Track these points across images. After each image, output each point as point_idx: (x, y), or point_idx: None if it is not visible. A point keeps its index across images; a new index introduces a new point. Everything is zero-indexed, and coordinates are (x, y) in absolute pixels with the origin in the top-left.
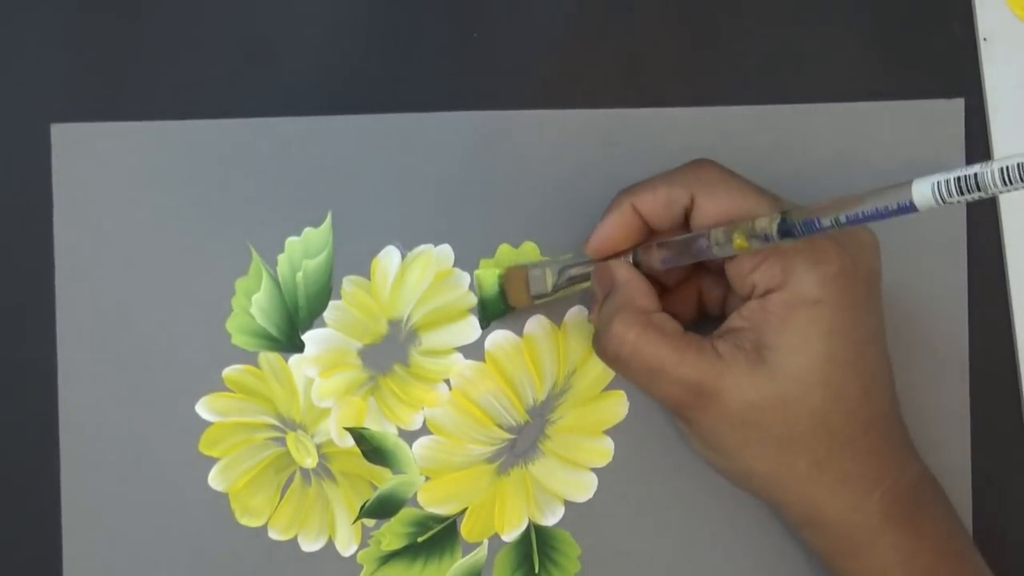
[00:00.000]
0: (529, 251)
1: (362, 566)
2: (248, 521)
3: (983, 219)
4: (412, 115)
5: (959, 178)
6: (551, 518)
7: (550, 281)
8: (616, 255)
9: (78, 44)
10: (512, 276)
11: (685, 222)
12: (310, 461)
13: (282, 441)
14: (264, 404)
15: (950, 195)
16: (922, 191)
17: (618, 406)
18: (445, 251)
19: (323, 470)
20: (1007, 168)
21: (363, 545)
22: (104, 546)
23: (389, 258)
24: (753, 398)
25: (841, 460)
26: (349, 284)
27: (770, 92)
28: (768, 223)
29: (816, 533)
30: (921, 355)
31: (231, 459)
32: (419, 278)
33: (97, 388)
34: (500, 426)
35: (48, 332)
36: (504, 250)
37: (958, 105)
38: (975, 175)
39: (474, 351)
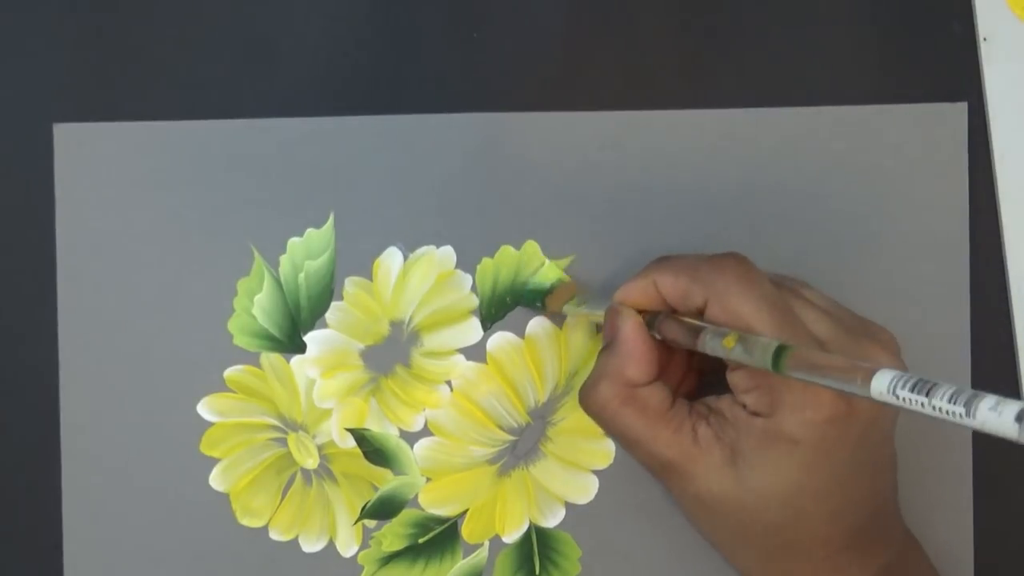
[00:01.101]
0: (531, 251)
1: (363, 567)
2: (249, 522)
3: (983, 219)
4: (415, 116)
5: (916, 382)
6: (552, 520)
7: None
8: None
9: (79, 44)
10: (562, 290)
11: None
12: (311, 462)
13: (283, 442)
14: (265, 405)
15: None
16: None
17: None
18: (447, 252)
19: (324, 471)
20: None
21: (364, 546)
22: (105, 546)
23: (391, 259)
24: (716, 490)
25: (795, 565)
26: (351, 285)
27: (771, 92)
28: (763, 352)
29: None
30: (923, 355)
31: (232, 460)
32: (421, 279)
33: (98, 388)
34: (501, 427)
35: (50, 332)
36: (506, 251)
37: (961, 109)
38: (930, 387)
39: (476, 352)
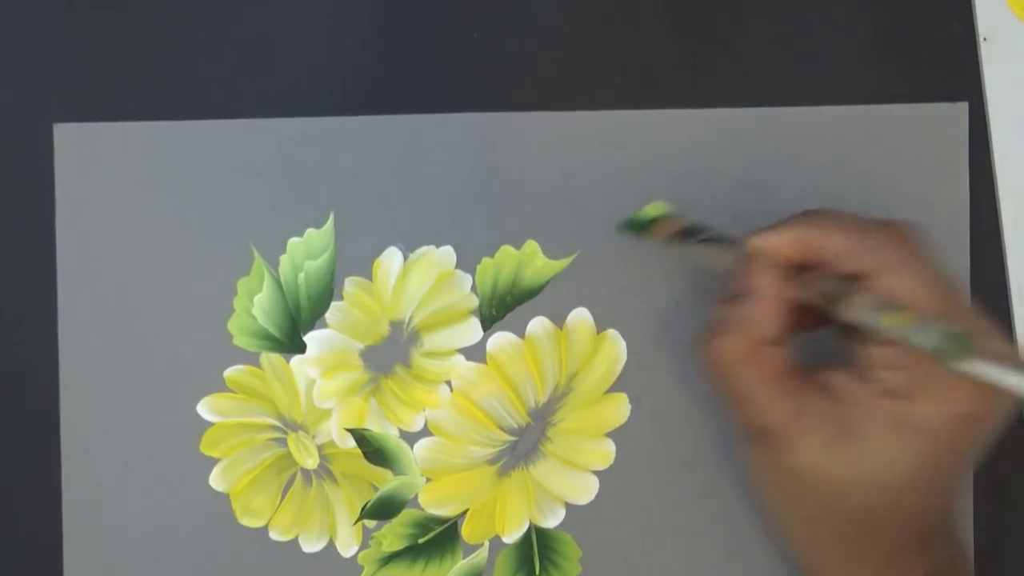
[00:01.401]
0: (531, 251)
1: (363, 567)
2: (249, 522)
3: (983, 219)
4: (415, 116)
5: None
6: (552, 520)
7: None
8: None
9: (79, 44)
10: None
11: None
12: (311, 462)
13: (283, 442)
14: (265, 405)
15: None
16: None
17: (620, 408)
18: (447, 252)
19: (324, 471)
20: None
21: (364, 546)
22: (105, 545)
23: (391, 259)
24: (817, 466)
25: (869, 551)
26: (351, 285)
27: (770, 91)
28: (939, 336)
29: None
30: None
31: (232, 460)
32: (421, 279)
33: (98, 388)
34: (501, 428)
35: (50, 331)
36: (506, 251)
37: (962, 109)
38: None
39: (476, 352)
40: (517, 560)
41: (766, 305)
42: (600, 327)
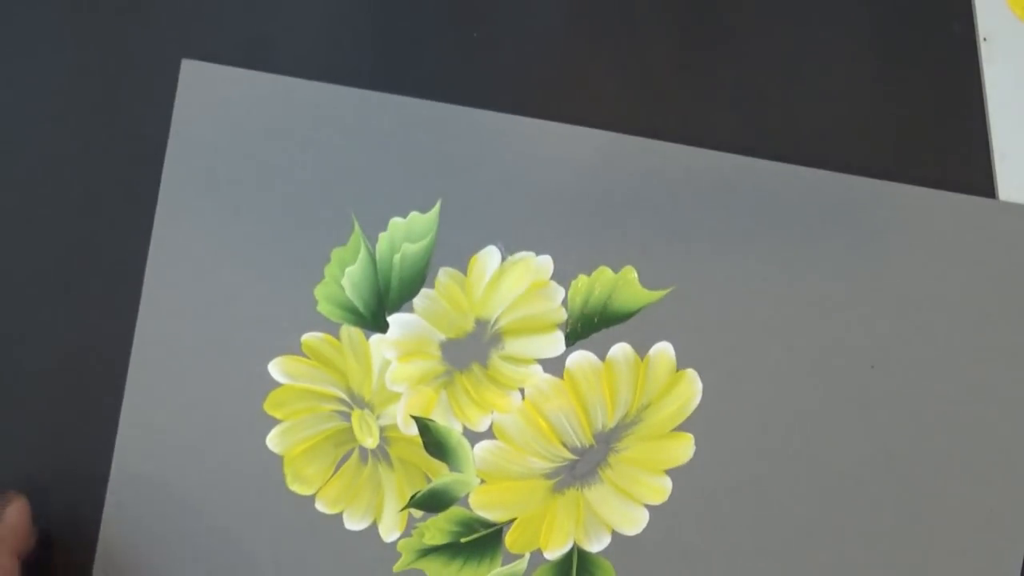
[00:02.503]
0: (628, 277)
1: (401, 554)
2: (298, 488)
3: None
4: (540, 121)
5: None
6: (596, 545)
7: None
8: None
9: None
10: None
11: None
12: (371, 441)
13: (347, 416)
14: (337, 376)
15: None
16: None
17: (684, 448)
18: (545, 262)
19: (382, 452)
20: None
21: (406, 534)
22: (150, 485)
23: (489, 257)
24: None
25: None
26: (444, 275)
27: (770, 90)
28: None
29: None
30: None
31: (293, 424)
32: (515, 283)
33: (174, 327)
34: (565, 445)
35: (139, 259)
36: (603, 272)
37: (997, 205)
38: None
39: (554, 366)
40: None
41: None
42: (681, 364)
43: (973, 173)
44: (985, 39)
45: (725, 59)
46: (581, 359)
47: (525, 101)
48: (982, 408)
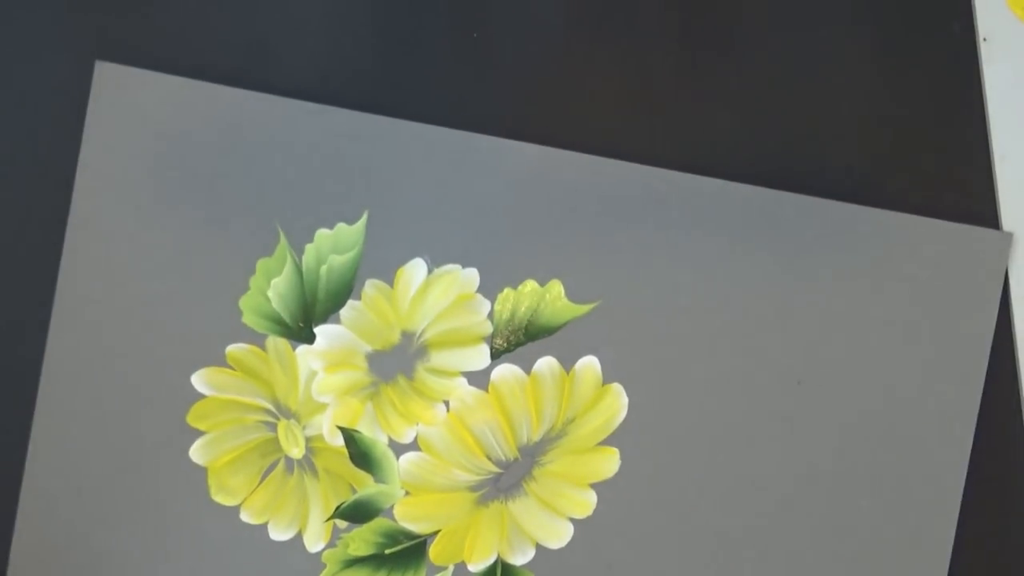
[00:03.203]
0: (555, 291)
1: (325, 565)
2: (223, 499)
3: (984, 220)
4: (468, 134)
5: None
6: (520, 558)
7: None
8: None
9: None
10: None
11: None
12: (297, 451)
13: (273, 427)
14: (263, 387)
15: None
16: None
17: (609, 462)
18: (471, 275)
19: (307, 463)
20: None
21: (331, 544)
22: (65, 498)
23: (415, 269)
24: None
25: None
26: (371, 287)
27: (768, 87)
28: None
29: None
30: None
31: (217, 435)
32: (440, 296)
33: (90, 334)
34: (489, 458)
35: (51, 269)
36: (529, 286)
37: (1005, 240)
38: None
39: (479, 379)
40: None
41: None
42: (607, 378)
43: (973, 173)
44: (985, 39)
45: (725, 60)
46: (507, 372)
47: (524, 100)
48: (907, 424)
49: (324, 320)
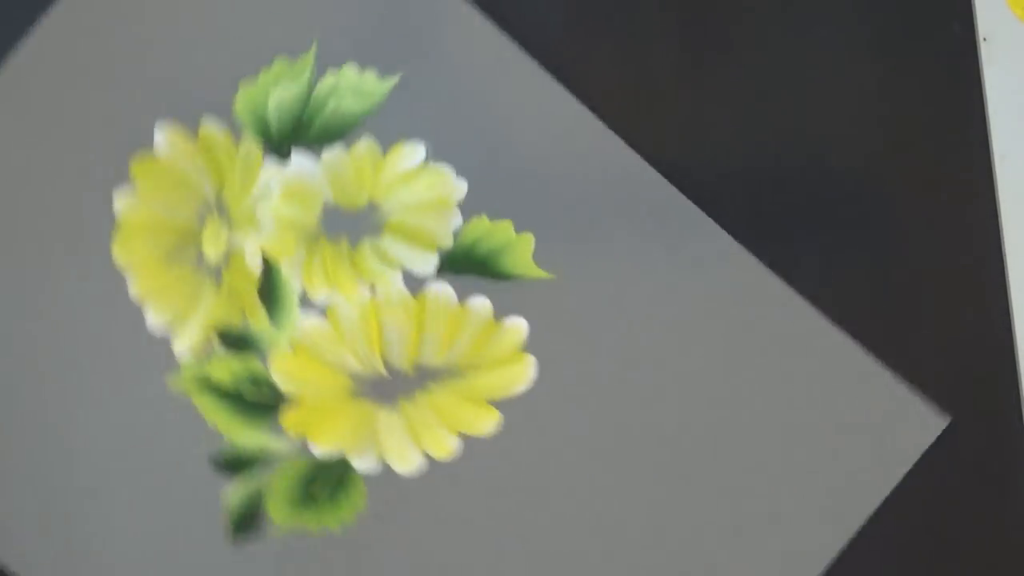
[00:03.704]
0: (525, 244)
1: (181, 371)
2: (120, 255)
3: (984, 219)
4: (543, 73)
5: None
6: (361, 463)
7: None
8: None
9: None
10: None
11: None
12: (213, 254)
13: (202, 219)
14: (214, 175)
15: None
16: None
17: (486, 422)
18: (460, 185)
19: (215, 271)
20: None
21: (196, 357)
22: None
23: (413, 151)
24: None
25: None
26: (365, 145)
27: (770, 90)
28: None
29: None
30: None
31: (151, 195)
32: (422, 188)
33: None
34: (384, 361)
35: None
36: (506, 226)
37: (939, 423)
38: None
39: (414, 284)
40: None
41: None
42: (527, 347)
43: (973, 173)
44: (985, 39)
45: (725, 60)
46: (441, 290)
47: None
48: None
49: (306, 149)
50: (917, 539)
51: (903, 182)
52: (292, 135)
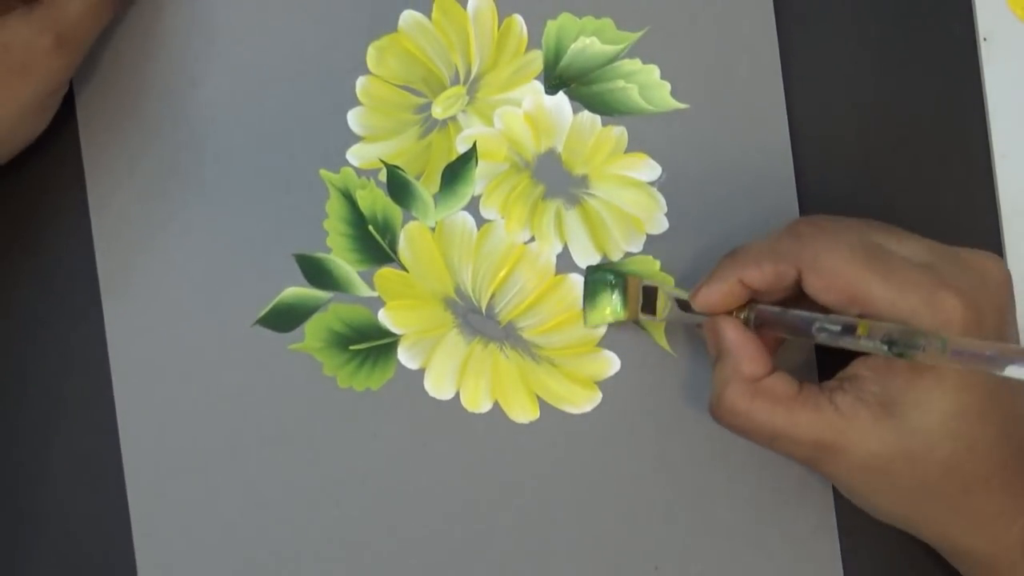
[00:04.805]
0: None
1: None
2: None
3: (984, 219)
4: None
5: None
6: (478, 401)
7: (662, 306)
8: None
9: None
10: (630, 284)
11: (799, 291)
12: (439, 112)
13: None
14: (457, 50)
15: None
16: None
17: (603, 364)
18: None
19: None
20: None
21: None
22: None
23: (648, 165)
24: (878, 450)
25: (975, 501)
26: (615, 135)
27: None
28: (898, 335)
29: (958, 563)
30: None
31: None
32: (632, 202)
33: None
34: (486, 301)
35: None
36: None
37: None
38: None
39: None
40: None
41: (738, 351)
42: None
43: (973, 173)
44: (985, 39)
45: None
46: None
47: None
48: None
49: (571, 98)
50: None
51: (903, 181)
52: (573, 79)
